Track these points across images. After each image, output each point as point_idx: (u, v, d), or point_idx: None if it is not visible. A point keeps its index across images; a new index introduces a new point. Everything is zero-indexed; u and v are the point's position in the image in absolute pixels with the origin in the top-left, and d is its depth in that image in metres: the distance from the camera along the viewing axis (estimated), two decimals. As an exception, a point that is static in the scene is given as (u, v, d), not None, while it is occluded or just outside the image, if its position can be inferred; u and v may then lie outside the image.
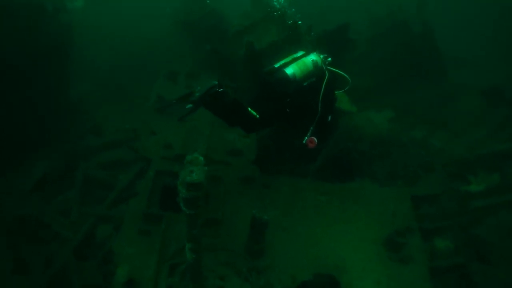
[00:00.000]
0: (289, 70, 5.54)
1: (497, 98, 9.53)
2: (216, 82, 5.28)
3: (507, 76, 10.18)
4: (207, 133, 7.95)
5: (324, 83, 5.62)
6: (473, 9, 13.00)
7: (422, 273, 6.71)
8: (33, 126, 8.82)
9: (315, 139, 5.64)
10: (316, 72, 5.70)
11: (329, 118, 5.83)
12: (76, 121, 9.60)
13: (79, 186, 8.41)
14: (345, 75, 5.96)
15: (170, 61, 9.69)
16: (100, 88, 10.11)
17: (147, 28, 11.01)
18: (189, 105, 5.40)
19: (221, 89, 5.21)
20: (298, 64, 5.61)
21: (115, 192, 8.17)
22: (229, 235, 6.86)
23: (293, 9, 8.46)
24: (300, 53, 5.89)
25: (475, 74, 10.69)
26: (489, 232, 7.71)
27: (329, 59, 6.03)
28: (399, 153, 8.84)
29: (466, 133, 9.36)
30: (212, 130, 8.06)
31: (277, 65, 5.70)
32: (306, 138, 5.68)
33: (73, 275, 7.18)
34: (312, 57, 5.79)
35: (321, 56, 5.94)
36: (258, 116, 5.42)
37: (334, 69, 5.94)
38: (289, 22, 8.18)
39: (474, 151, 8.82)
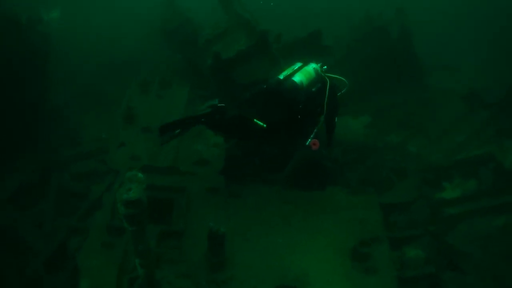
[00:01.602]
0: (297, 79, 5.88)
1: (476, 103, 9.34)
2: (216, 102, 5.53)
3: (487, 81, 9.99)
4: (175, 144, 7.91)
5: (327, 88, 6.00)
6: (455, 14, 12.82)
7: (389, 283, 6.56)
8: (10, 135, 8.87)
9: (317, 141, 5.95)
10: (318, 79, 6.10)
11: (336, 119, 6.26)
12: (54, 130, 9.65)
13: (52, 197, 8.44)
14: (343, 78, 6.38)
15: (147, 69, 9.68)
16: (79, 97, 10.14)
17: (126, 35, 11.03)
18: (177, 130, 5.78)
19: (222, 104, 5.43)
20: (303, 73, 5.97)
21: (87, 203, 8.18)
22: (191, 247, 6.80)
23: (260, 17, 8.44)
24: (298, 64, 6.21)
25: (455, 79, 10.51)
26: (463, 240, 7.53)
27: (325, 67, 6.42)
28: (374, 159, 8.70)
29: (443, 138, 9.19)
30: (180, 140, 8.02)
31: (281, 76, 5.98)
32: (309, 140, 5.93)
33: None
34: (312, 65, 6.17)
35: (319, 64, 6.33)
36: (265, 125, 5.50)
37: (331, 75, 6.31)
38: (258, 30, 8.11)
39: (451, 156, 8.63)
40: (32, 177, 8.79)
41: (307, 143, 6.03)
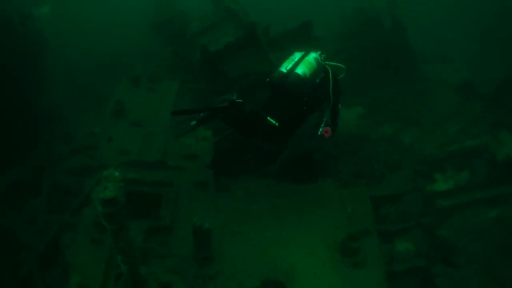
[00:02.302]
0: (300, 71, 5.79)
1: (470, 93, 9.19)
2: (234, 97, 5.47)
3: (481, 72, 9.81)
4: (164, 138, 7.87)
5: (330, 76, 5.99)
6: (449, 5, 12.60)
7: (378, 277, 6.50)
8: (5, 133, 8.89)
9: (329, 128, 5.95)
10: (320, 68, 6.06)
11: (339, 106, 6.27)
12: (48, 126, 9.65)
13: (45, 193, 8.46)
14: (340, 64, 6.40)
15: (139, 63, 9.64)
16: (74, 92, 10.13)
17: (119, 29, 10.97)
18: (193, 122, 5.69)
19: (239, 100, 5.39)
20: (305, 64, 5.88)
21: (80, 198, 8.19)
22: (179, 242, 6.79)
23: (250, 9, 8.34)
24: (298, 54, 6.09)
25: (449, 70, 10.33)
26: (455, 233, 7.42)
27: (324, 55, 6.39)
28: (366, 151, 8.60)
29: (437, 129, 9.06)
30: (168, 134, 7.98)
31: (283, 69, 5.86)
32: (321, 129, 5.93)
33: (38, 284, 7.25)
34: (313, 55, 6.09)
35: (318, 53, 6.24)
36: (277, 124, 5.49)
37: (330, 63, 6.31)
38: (246, 22, 8.01)
39: (444, 147, 8.51)
40: (26, 173, 8.81)
41: (319, 133, 6.03)
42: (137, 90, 8.81)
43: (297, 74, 5.80)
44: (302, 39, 8.61)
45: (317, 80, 6.07)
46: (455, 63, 10.54)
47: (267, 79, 6.04)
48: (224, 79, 8.06)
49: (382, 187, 7.82)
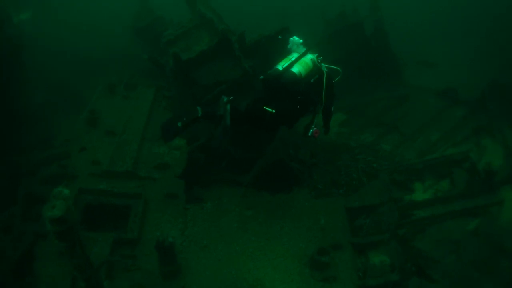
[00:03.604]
0: (295, 69, 5.92)
1: (453, 99, 8.96)
2: (226, 98, 5.56)
3: (465, 77, 9.57)
4: (136, 147, 7.76)
5: (325, 78, 6.05)
6: (433, 10, 12.36)
7: (350, 292, 6.35)
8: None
9: (318, 129, 6.13)
10: (316, 70, 6.15)
11: (332, 108, 6.35)
12: (27, 132, 9.55)
13: (21, 202, 8.38)
14: (337, 68, 6.45)
15: (116, 69, 9.52)
16: (54, 97, 10.03)
17: (101, 34, 10.86)
18: (179, 124, 5.70)
19: (231, 97, 5.53)
20: (301, 64, 6.01)
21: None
22: (146, 255, 6.68)
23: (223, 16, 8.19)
24: (295, 55, 6.19)
25: (433, 75, 10.10)
26: (432, 245, 7.25)
27: (320, 57, 6.43)
28: (345, 159, 8.42)
29: (418, 136, 8.84)
30: (141, 143, 7.87)
31: (279, 67, 5.99)
32: (311, 130, 6.08)
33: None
34: (309, 56, 6.19)
35: (315, 55, 6.32)
36: (274, 111, 5.67)
37: (326, 65, 6.35)
38: (220, 29, 7.85)
39: (425, 155, 8.31)
40: (1, 181, 8.73)
41: (309, 134, 6.14)
42: (113, 98, 8.70)
43: (293, 73, 5.91)
44: (280, 45, 8.41)
45: (312, 81, 6.14)
46: (438, 68, 10.30)
47: (261, 76, 6.11)
48: (197, 87, 7.92)
49: (359, 196, 7.61)
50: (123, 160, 7.61)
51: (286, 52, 6.56)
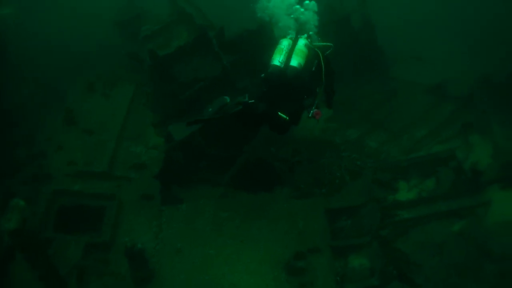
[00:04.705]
0: (295, 63, 5.65)
1: (442, 95, 8.67)
2: (246, 98, 5.39)
3: (456, 72, 9.24)
4: (113, 147, 7.60)
5: (322, 61, 5.83)
6: (424, 4, 11.96)
7: (327, 297, 6.20)
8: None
9: (319, 110, 5.84)
10: (312, 53, 5.86)
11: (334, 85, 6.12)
12: (10, 130, 9.40)
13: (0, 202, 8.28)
14: (327, 43, 6.15)
15: (100, 62, 9.32)
16: (37, 95, 9.85)
17: (88, 28, 10.62)
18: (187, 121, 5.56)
19: (251, 101, 5.36)
20: (298, 54, 5.72)
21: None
22: (119, 259, 6.56)
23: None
24: (286, 42, 5.85)
25: (422, 71, 9.77)
26: (414, 248, 7.04)
27: (311, 32, 6.16)
28: (328, 157, 8.19)
29: (405, 132, 8.58)
30: (118, 142, 7.70)
31: (276, 62, 5.73)
32: (312, 111, 5.80)
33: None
34: (302, 41, 5.85)
35: (305, 36, 5.98)
36: (287, 118, 5.52)
37: (318, 44, 6.07)
38: (198, 24, 7.60)
39: (411, 153, 8.06)
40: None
41: (309, 115, 5.85)
42: (91, 96, 8.52)
43: (294, 68, 5.64)
44: (262, 39, 8.15)
45: (313, 69, 5.89)
46: (429, 63, 9.97)
47: (262, 75, 5.85)
48: (175, 83, 7.70)
49: (341, 197, 7.42)
50: (100, 160, 7.46)
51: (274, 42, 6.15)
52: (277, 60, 5.72)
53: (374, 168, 7.97)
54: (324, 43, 6.18)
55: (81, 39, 10.30)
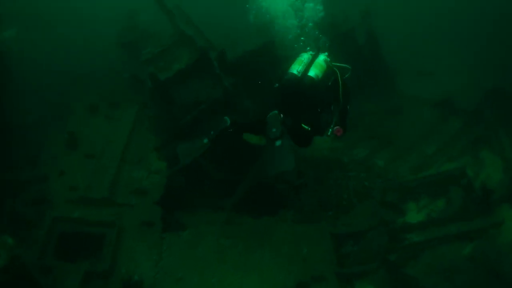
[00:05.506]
0: (312, 73, 5.68)
1: (449, 110, 8.40)
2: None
3: (462, 86, 8.98)
4: (114, 172, 7.50)
5: (340, 79, 5.82)
6: (429, 17, 11.74)
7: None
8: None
9: (340, 128, 5.76)
10: (330, 70, 5.87)
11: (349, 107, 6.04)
12: (15, 150, 9.40)
13: (5, 223, 8.25)
14: (346, 65, 6.12)
15: (99, 86, 9.29)
16: (42, 115, 9.87)
17: (89, 50, 10.64)
18: (205, 140, 5.68)
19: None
20: (316, 66, 5.74)
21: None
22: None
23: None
24: (306, 56, 5.88)
25: (429, 85, 9.52)
26: (425, 272, 6.78)
27: (328, 58, 6.14)
28: (336, 177, 7.97)
29: (414, 149, 8.32)
30: (120, 167, 7.61)
31: (294, 71, 5.70)
32: (330, 129, 5.74)
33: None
34: (322, 57, 5.90)
35: (326, 54, 6.03)
36: (310, 129, 5.49)
37: (337, 64, 6.07)
38: (198, 46, 7.50)
39: (420, 171, 7.80)
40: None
41: (329, 133, 5.74)
42: (94, 118, 8.46)
43: (311, 78, 5.64)
44: (265, 59, 8.03)
45: (329, 83, 5.85)
46: (435, 77, 9.71)
47: (276, 84, 5.81)
48: (177, 107, 7.60)
49: (348, 220, 7.18)
50: (101, 185, 7.36)
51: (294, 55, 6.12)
52: (295, 69, 5.71)
53: (382, 189, 7.70)
54: (343, 64, 6.14)
55: (83, 60, 10.32)
